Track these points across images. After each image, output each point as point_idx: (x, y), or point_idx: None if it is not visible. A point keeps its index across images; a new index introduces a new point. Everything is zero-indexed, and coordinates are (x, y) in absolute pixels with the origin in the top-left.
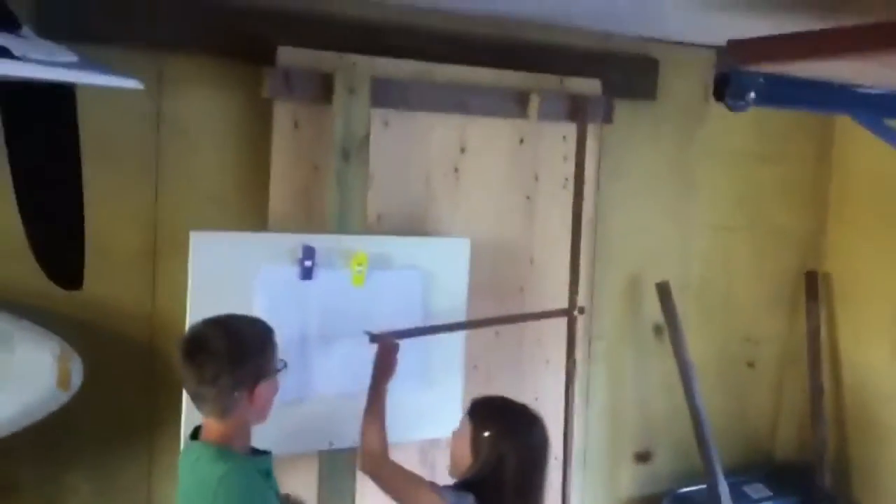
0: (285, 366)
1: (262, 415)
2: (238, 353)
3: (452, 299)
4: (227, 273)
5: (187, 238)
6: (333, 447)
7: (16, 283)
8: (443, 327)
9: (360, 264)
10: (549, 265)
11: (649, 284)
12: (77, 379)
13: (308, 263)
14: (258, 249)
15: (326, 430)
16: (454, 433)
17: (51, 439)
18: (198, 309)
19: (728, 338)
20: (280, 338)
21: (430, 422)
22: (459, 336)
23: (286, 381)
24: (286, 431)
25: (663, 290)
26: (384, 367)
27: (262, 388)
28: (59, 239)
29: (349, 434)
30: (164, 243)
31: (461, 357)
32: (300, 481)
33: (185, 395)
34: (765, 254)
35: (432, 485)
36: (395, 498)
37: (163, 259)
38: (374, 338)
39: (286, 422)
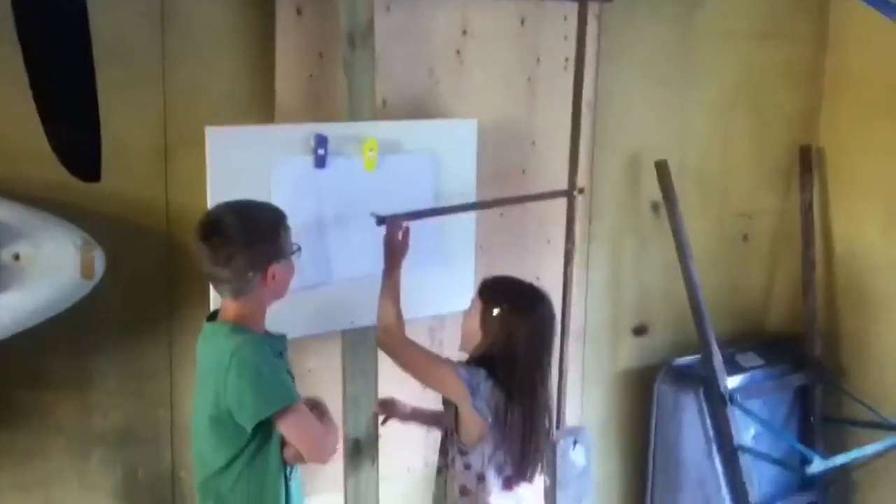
0: (299, 249)
1: (278, 294)
2: (250, 234)
3: (462, 180)
4: (243, 166)
5: (197, 132)
6: (354, 325)
7: (37, 179)
8: (447, 209)
9: (371, 150)
10: (550, 147)
11: (648, 164)
12: (100, 268)
13: (321, 152)
14: (272, 141)
15: (348, 311)
16: (465, 312)
17: (77, 328)
18: (216, 201)
19: (724, 214)
20: (298, 225)
21: (443, 298)
22: (470, 216)
23: (307, 267)
24: (309, 314)
25: (661, 169)
26: (393, 248)
27: (275, 269)
28: (76, 133)
29: (369, 313)
30: (174, 138)
31: (473, 236)
32: (326, 360)
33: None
34: (761, 131)
35: (447, 360)
36: (410, 372)
37: (174, 153)
38: (380, 220)
39: (309, 305)
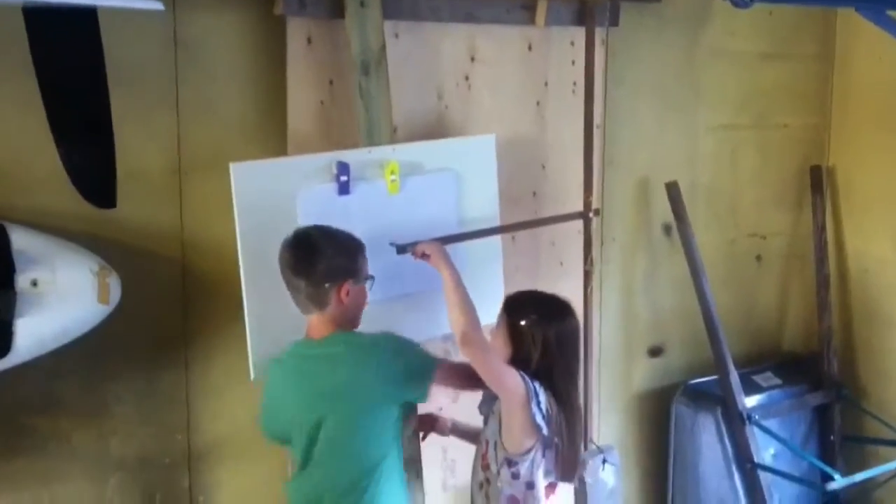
0: (373, 279)
1: (349, 316)
2: (332, 247)
3: (484, 197)
4: (269, 198)
5: (211, 157)
6: None
7: (54, 208)
8: (466, 235)
9: (393, 174)
10: (560, 170)
11: (658, 185)
12: (116, 294)
13: (344, 178)
14: (295, 172)
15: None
16: (491, 331)
17: (93, 353)
18: (247, 235)
19: (736, 234)
20: None
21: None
22: (496, 240)
23: None
24: None
25: (672, 190)
26: (440, 258)
27: (350, 288)
28: (91, 159)
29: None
30: (188, 163)
31: (500, 253)
32: None
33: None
34: (770, 151)
35: (511, 367)
36: (481, 373)
37: (188, 178)
38: (401, 249)
39: None
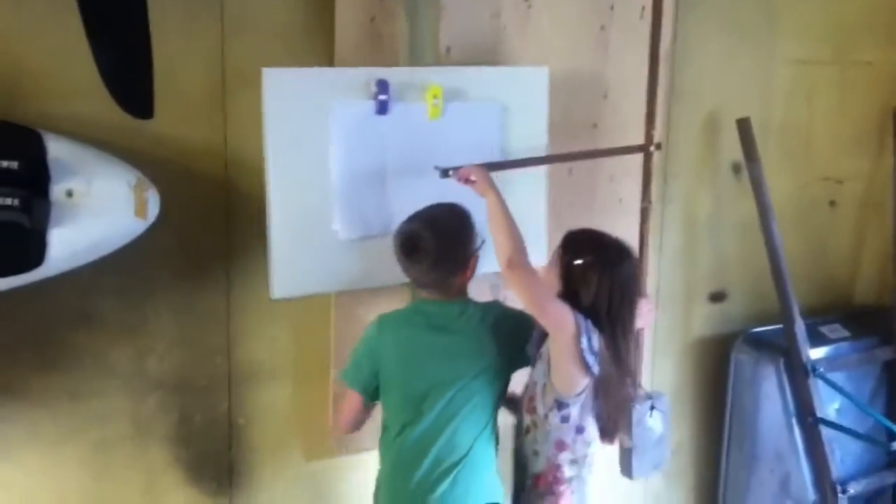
0: (483, 242)
1: (470, 280)
2: (446, 248)
3: (531, 132)
4: (301, 109)
5: (256, 74)
6: None
7: (92, 116)
8: (515, 162)
9: (435, 97)
10: (623, 100)
11: (728, 121)
12: (154, 208)
13: (383, 98)
14: (332, 85)
15: None
16: (545, 266)
17: (132, 271)
18: (274, 147)
19: (809, 177)
20: (358, 172)
21: None
22: (541, 170)
23: (370, 216)
24: (370, 265)
25: (744, 127)
26: (486, 183)
27: (469, 266)
28: (127, 67)
29: None
30: (232, 79)
31: (544, 190)
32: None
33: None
34: (850, 89)
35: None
36: (527, 303)
37: (232, 95)
38: (444, 173)
39: (370, 256)
